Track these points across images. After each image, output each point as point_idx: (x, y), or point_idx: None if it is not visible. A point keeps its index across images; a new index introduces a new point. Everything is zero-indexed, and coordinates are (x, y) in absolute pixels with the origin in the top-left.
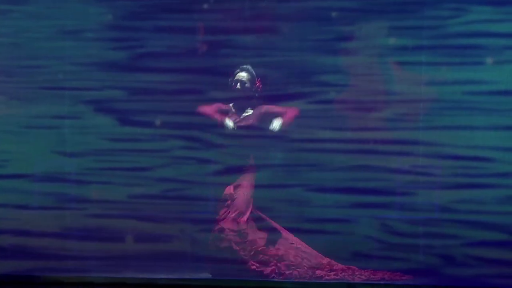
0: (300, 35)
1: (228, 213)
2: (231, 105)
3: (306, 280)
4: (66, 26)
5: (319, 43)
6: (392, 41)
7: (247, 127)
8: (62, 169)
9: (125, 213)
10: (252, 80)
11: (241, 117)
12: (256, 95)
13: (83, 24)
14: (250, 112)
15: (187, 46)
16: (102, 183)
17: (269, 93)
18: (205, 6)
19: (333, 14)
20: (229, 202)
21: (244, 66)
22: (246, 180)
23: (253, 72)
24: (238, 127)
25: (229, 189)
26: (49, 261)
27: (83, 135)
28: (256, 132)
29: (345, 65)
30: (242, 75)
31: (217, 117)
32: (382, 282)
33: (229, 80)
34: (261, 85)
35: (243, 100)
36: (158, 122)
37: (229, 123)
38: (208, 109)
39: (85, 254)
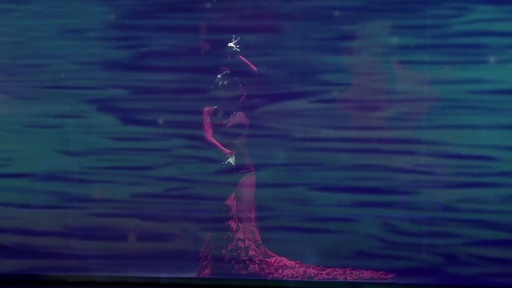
0: (302, 34)
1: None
2: (215, 107)
3: (310, 280)
4: (68, 25)
5: (322, 42)
6: (394, 40)
7: (237, 126)
8: (64, 168)
9: (128, 212)
10: (233, 84)
11: (229, 119)
12: (241, 97)
13: (85, 23)
14: (236, 114)
15: (189, 45)
16: (105, 182)
17: (271, 92)
18: (208, 5)
19: (336, 13)
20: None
21: (225, 72)
22: (249, 181)
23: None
24: (229, 130)
25: (231, 201)
26: (51, 260)
27: (86, 134)
28: (259, 131)
29: (348, 64)
30: (223, 82)
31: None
32: (385, 282)
33: (211, 87)
34: (244, 87)
35: (228, 104)
36: (160, 121)
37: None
38: (210, 137)
39: (87, 253)
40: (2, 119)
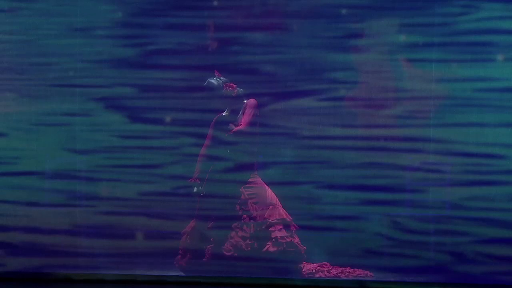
0: (310, 32)
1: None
2: (224, 113)
3: (316, 278)
4: (76, 24)
5: (330, 40)
6: (402, 38)
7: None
8: (72, 166)
9: (135, 210)
10: (221, 86)
11: (237, 119)
12: (234, 97)
13: (93, 21)
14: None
15: (197, 43)
16: (112, 180)
17: (279, 90)
18: (215, 3)
19: (343, 11)
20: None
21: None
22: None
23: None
24: (235, 133)
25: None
26: (59, 258)
27: (94, 132)
28: (267, 129)
29: (356, 62)
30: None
31: None
32: (392, 280)
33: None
34: (235, 88)
35: (232, 104)
36: (168, 119)
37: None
38: (201, 154)
39: (95, 251)
40: (10, 117)
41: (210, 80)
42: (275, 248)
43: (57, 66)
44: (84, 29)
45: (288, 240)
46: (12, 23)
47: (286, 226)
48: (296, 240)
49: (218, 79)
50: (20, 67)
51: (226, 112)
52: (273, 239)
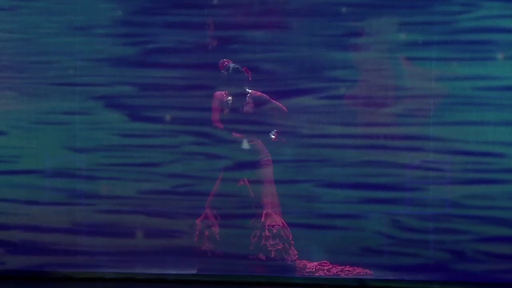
0: (310, 30)
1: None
2: (226, 93)
3: (316, 276)
4: (76, 22)
5: (329, 38)
6: (402, 36)
7: (252, 113)
8: (72, 165)
9: (135, 208)
10: (241, 73)
11: (243, 106)
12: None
13: (93, 19)
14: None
15: (197, 41)
16: (112, 178)
17: (279, 89)
18: (215, 1)
19: (343, 9)
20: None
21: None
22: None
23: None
24: (244, 114)
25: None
26: (59, 257)
27: (93, 131)
28: (267, 128)
29: (355, 60)
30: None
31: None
32: (392, 278)
33: (221, 79)
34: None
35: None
36: (168, 117)
37: (245, 144)
38: (216, 121)
39: (95, 250)
40: (10, 115)
41: (234, 65)
42: (265, 257)
43: (57, 64)
44: (84, 28)
45: (279, 248)
46: (12, 22)
47: (278, 234)
48: (294, 253)
49: (237, 65)
50: (20, 66)
51: (230, 97)
52: (263, 247)
